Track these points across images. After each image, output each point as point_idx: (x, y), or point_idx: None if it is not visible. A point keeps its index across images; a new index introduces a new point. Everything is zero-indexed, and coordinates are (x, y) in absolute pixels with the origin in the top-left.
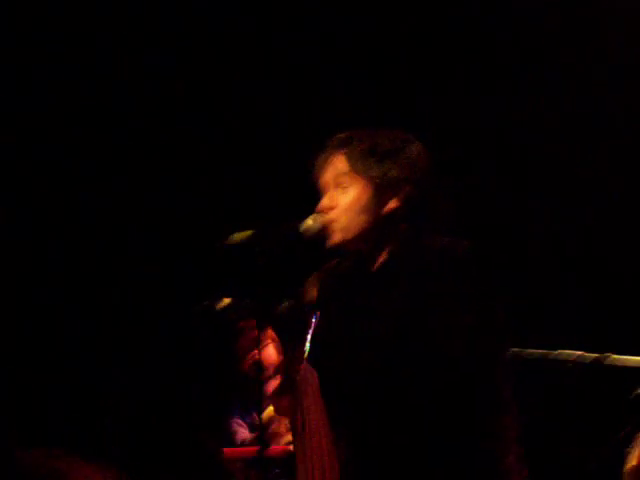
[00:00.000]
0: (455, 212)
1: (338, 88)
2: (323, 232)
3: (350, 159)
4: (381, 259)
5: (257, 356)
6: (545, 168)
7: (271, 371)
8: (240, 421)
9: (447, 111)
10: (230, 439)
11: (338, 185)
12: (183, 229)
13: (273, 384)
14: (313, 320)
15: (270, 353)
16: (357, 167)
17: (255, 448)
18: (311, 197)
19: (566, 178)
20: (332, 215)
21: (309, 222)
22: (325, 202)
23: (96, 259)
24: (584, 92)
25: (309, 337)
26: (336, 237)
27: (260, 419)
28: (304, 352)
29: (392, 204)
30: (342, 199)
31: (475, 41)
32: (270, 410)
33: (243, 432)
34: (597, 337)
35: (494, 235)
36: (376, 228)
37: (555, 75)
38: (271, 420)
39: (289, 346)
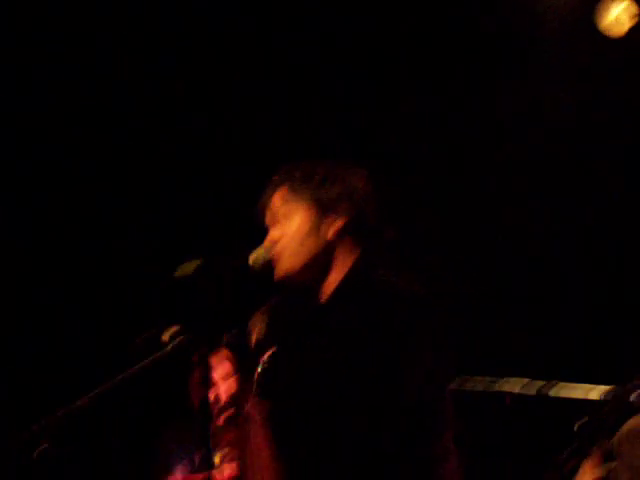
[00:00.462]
0: (397, 234)
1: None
2: (271, 263)
3: (290, 189)
4: (329, 288)
5: (204, 391)
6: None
7: (223, 407)
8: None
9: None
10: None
11: (283, 217)
12: (130, 261)
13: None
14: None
15: (224, 390)
16: (297, 194)
17: (202, 475)
18: (260, 230)
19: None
20: (279, 245)
21: (258, 253)
22: (272, 235)
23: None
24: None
25: (258, 370)
26: (284, 266)
27: (209, 454)
28: (253, 386)
29: (333, 227)
30: (287, 228)
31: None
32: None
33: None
34: (543, 364)
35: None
36: (321, 253)
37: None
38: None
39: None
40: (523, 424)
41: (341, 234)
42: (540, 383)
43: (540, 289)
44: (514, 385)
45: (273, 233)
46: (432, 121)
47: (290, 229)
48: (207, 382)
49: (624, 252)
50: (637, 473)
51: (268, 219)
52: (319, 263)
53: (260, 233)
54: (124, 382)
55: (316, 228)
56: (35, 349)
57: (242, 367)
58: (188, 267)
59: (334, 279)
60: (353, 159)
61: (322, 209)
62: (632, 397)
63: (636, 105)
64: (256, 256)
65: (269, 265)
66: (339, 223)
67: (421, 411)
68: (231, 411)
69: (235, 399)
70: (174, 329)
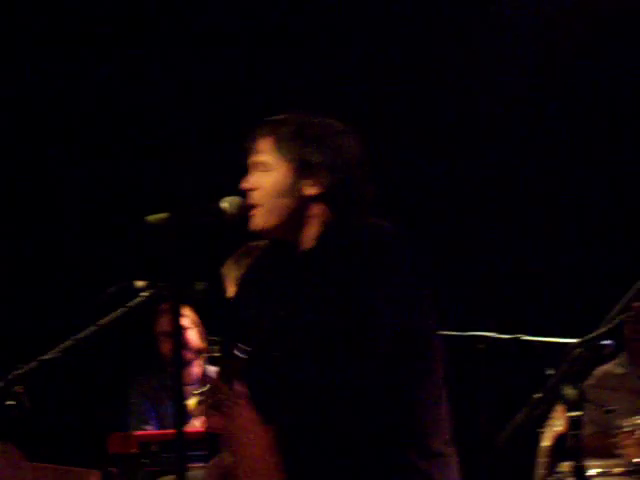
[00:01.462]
0: (376, 203)
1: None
2: (243, 213)
3: (276, 141)
4: (306, 244)
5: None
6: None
7: (192, 355)
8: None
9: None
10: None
11: (262, 167)
12: (100, 211)
13: (194, 369)
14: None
15: (192, 337)
16: (282, 149)
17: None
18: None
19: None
20: (254, 197)
21: (229, 204)
22: (248, 184)
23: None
24: None
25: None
26: (258, 221)
27: (180, 403)
28: (237, 368)
29: (313, 189)
30: (265, 181)
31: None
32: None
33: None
34: (508, 321)
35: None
36: (296, 212)
37: None
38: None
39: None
40: (498, 368)
41: (317, 198)
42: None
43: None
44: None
45: (248, 182)
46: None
47: (268, 182)
48: (176, 331)
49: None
50: (599, 425)
51: (249, 164)
52: (294, 220)
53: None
54: (96, 332)
55: (293, 188)
56: (8, 299)
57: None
58: (155, 217)
59: (309, 235)
60: (344, 117)
61: (303, 171)
62: (602, 345)
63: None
64: (231, 203)
65: (240, 215)
66: (316, 188)
67: (415, 342)
68: (200, 366)
69: (216, 384)
70: (144, 282)
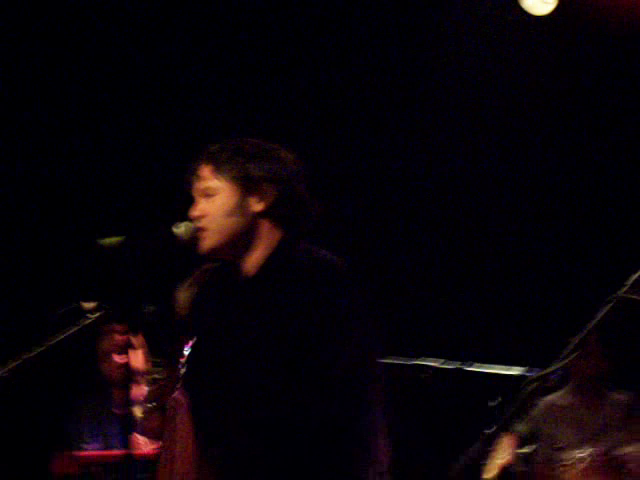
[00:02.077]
0: (319, 214)
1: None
2: (194, 239)
3: (217, 165)
4: (255, 265)
5: (124, 359)
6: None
7: (135, 376)
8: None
9: None
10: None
11: (206, 194)
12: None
13: (136, 390)
14: (188, 343)
15: (138, 359)
16: (222, 171)
17: (117, 452)
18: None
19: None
20: (202, 223)
21: (181, 229)
22: (195, 212)
23: None
24: None
25: (183, 360)
26: (207, 243)
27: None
28: (178, 376)
29: (258, 205)
30: (210, 207)
31: None
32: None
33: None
34: (457, 348)
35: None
36: (245, 231)
37: None
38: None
39: (155, 352)
40: (442, 398)
41: (265, 213)
42: (457, 363)
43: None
44: (433, 361)
45: (195, 211)
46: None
47: (214, 206)
48: (119, 352)
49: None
50: (543, 457)
51: (194, 194)
52: (243, 240)
53: (181, 211)
54: (43, 352)
55: (240, 206)
56: None
57: (157, 342)
58: (110, 240)
59: (259, 255)
60: (278, 137)
61: (247, 187)
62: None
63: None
64: (183, 228)
65: (192, 241)
66: (263, 202)
67: (357, 378)
68: (141, 388)
69: (154, 390)
70: (93, 304)
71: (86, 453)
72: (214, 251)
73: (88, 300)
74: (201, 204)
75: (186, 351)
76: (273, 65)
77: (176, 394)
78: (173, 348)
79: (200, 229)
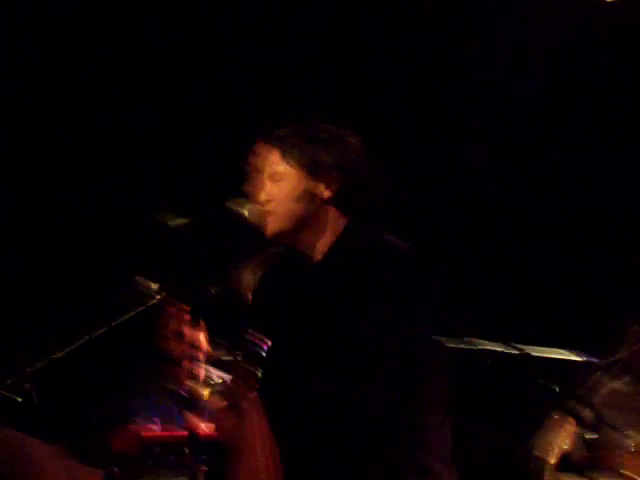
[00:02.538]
0: (384, 202)
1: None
2: (259, 223)
3: (284, 151)
4: (320, 251)
5: (185, 339)
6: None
7: (197, 356)
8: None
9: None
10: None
11: (272, 178)
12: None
13: (196, 370)
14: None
15: (199, 339)
16: (290, 157)
17: (178, 432)
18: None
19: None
20: (269, 206)
21: (245, 212)
22: (261, 196)
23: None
24: None
25: (260, 360)
26: (273, 227)
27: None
28: (255, 378)
29: (326, 192)
30: (277, 191)
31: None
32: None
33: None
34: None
35: (419, 227)
36: (311, 217)
37: None
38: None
39: (217, 334)
40: (504, 383)
41: (331, 200)
42: (516, 347)
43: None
44: (494, 345)
45: (261, 195)
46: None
47: (282, 190)
48: (181, 331)
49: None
50: (605, 443)
51: (256, 176)
52: (308, 226)
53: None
54: (107, 332)
55: (307, 192)
56: (20, 295)
57: (220, 324)
58: (175, 221)
59: (324, 242)
60: (347, 122)
61: (315, 174)
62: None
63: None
64: (244, 214)
65: (256, 225)
66: (330, 189)
67: (420, 368)
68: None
69: (230, 389)
70: (156, 283)
71: (147, 432)
72: (279, 235)
73: (151, 279)
74: (267, 188)
75: (259, 349)
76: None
77: (252, 394)
78: (235, 331)
79: (266, 212)
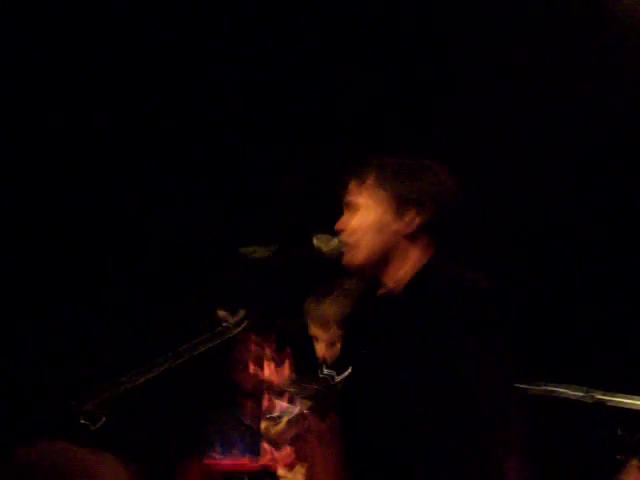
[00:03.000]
0: (471, 236)
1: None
2: (340, 254)
3: (375, 180)
4: (397, 284)
5: (259, 371)
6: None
7: (270, 390)
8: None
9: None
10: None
11: (360, 208)
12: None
13: (264, 402)
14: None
15: (273, 371)
16: (381, 187)
17: (246, 463)
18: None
19: None
20: (352, 238)
21: (330, 245)
22: (347, 224)
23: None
24: None
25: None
26: (355, 259)
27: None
28: (329, 409)
29: (410, 226)
30: (362, 223)
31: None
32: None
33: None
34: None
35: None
36: (394, 250)
37: None
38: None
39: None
40: (580, 431)
41: (417, 232)
42: (595, 391)
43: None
44: (572, 391)
45: (349, 222)
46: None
47: (366, 222)
48: (255, 363)
49: None
50: None
51: (346, 203)
52: (390, 258)
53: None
54: (184, 360)
55: (394, 223)
56: (102, 325)
57: (295, 355)
58: (260, 251)
59: (403, 275)
60: (436, 155)
61: (402, 205)
62: None
63: None
64: (332, 245)
65: (340, 253)
66: (417, 221)
67: (492, 408)
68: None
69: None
70: (239, 314)
71: (215, 462)
72: (361, 268)
73: (227, 309)
74: (351, 219)
75: (330, 373)
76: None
77: (319, 420)
78: (313, 364)
79: (348, 244)
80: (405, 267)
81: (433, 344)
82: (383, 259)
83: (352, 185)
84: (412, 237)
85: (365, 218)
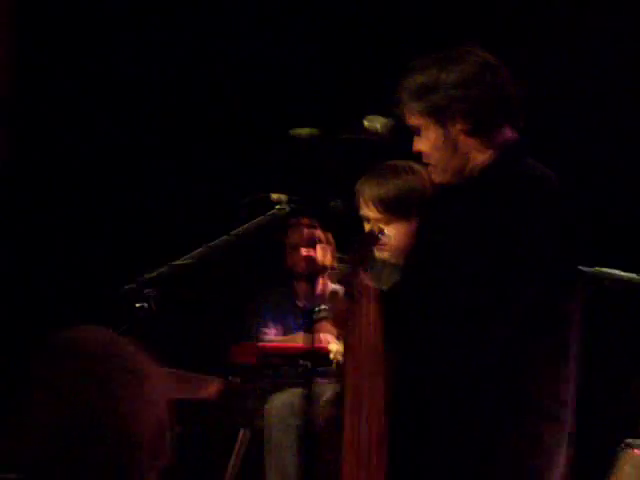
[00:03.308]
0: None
1: None
2: (391, 134)
3: (406, 107)
4: (477, 170)
5: (311, 253)
6: None
7: (322, 271)
8: (269, 324)
9: None
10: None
11: (417, 130)
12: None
13: (319, 286)
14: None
15: (325, 254)
16: (413, 111)
17: (298, 344)
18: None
19: None
20: (431, 158)
21: (379, 124)
22: (420, 147)
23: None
24: None
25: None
26: (444, 176)
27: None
28: (366, 264)
29: (457, 128)
30: (423, 145)
31: None
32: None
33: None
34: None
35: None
36: (463, 153)
37: None
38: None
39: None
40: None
41: (467, 132)
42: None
43: None
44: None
45: (415, 145)
46: None
47: (431, 139)
48: (307, 245)
49: None
50: None
51: (413, 131)
52: (470, 156)
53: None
54: (229, 241)
55: (446, 136)
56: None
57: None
58: (307, 131)
59: (483, 162)
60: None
61: (439, 117)
62: None
63: None
64: (380, 122)
65: (391, 131)
66: (459, 125)
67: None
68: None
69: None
70: (283, 196)
71: (267, 344)
72: (453, 181)
73: (278, 192)
74: (420, 142)
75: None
76: None
77: (363, 279)
78: (360, 245)
79: (431, 166)
80: (479, 158)
81: (494, 214)
82: (464, 163)
83: (404, 112)
84: (466, 140)
85: (428, 138)
